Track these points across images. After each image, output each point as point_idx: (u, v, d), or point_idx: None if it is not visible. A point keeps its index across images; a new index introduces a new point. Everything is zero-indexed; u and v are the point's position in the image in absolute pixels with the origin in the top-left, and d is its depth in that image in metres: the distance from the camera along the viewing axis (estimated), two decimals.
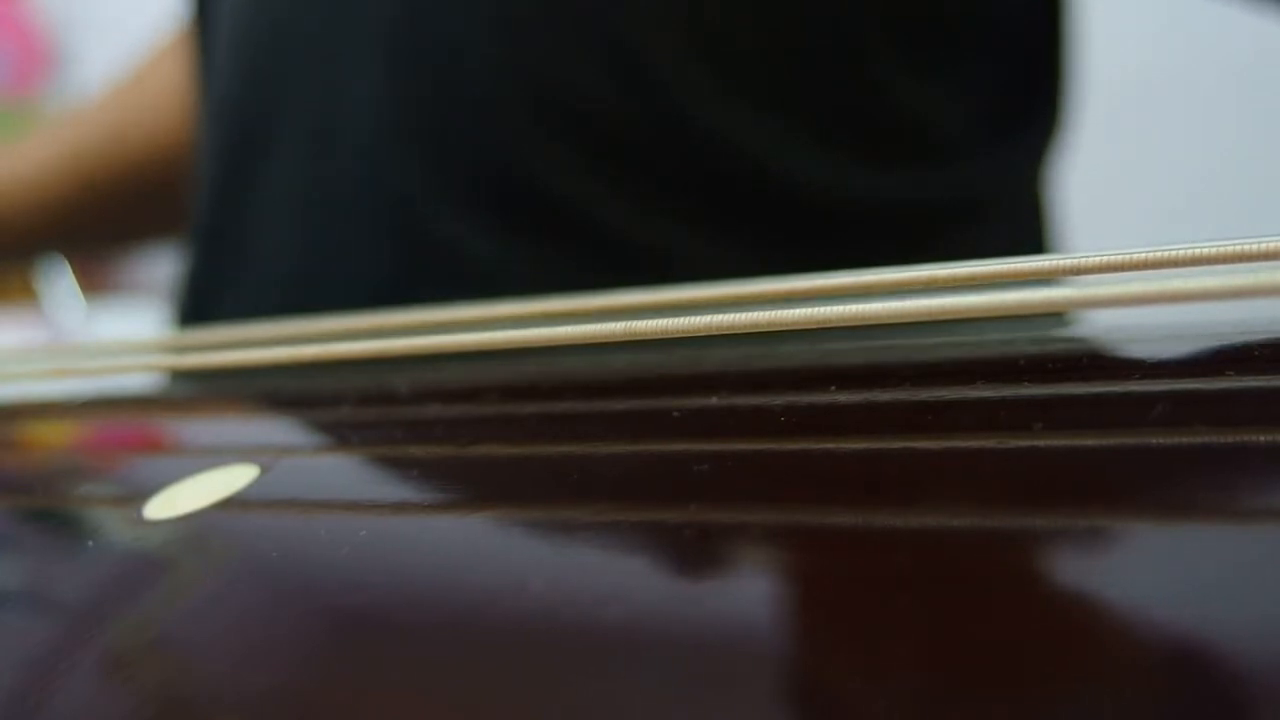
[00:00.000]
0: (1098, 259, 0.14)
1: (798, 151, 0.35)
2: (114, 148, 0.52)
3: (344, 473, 0.16)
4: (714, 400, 0.16)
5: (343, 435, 0.19)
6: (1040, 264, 0.14)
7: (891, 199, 0.37)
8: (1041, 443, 0.12)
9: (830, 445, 0.14)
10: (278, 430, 0.20)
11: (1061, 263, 0.14)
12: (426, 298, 0.36)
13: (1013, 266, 0.14)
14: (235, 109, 0.41)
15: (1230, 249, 0.13)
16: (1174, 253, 0.13)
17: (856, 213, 0.36)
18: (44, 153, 0.53)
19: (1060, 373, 0.14)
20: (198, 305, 0.43)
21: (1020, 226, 0.42)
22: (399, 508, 0.15)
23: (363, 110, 0.37)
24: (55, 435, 0.23)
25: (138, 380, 0.25)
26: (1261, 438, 0.11)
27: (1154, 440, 0.12)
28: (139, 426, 0.22)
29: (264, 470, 0.16)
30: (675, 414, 0.15)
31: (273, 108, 0.39)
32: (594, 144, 0.35)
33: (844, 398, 0.15)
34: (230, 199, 0.41)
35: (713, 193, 0.35)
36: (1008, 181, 0.41)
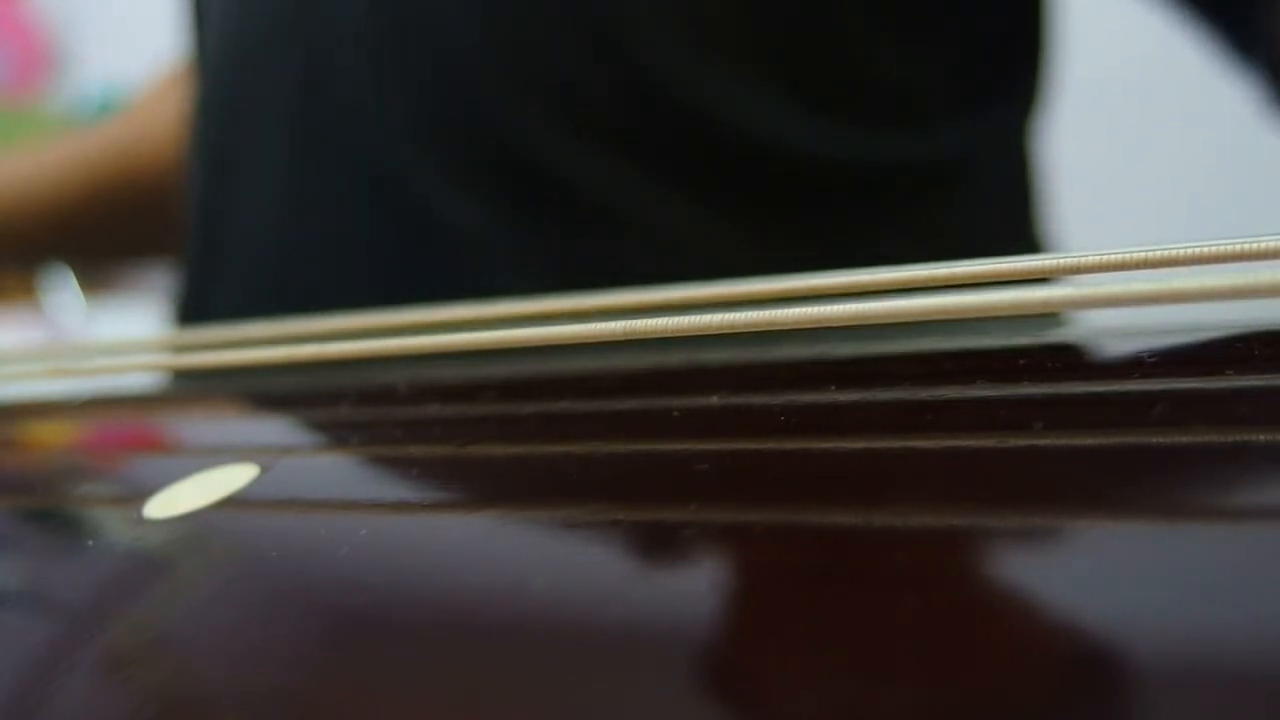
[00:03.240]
0: (1097, 259, 0.14)
1: (779, 116, 0.36)
2: (124, 162, 0.53)
3: (344, 472, 0.16)
4: (714, 400, 0.16)
5: (342, 435, 0.19)
6: (1039, 263, 0.14)
7: (873, 162, 0.37)
8: (1041, 442, 0.12)
9: (830, 445, 0.14)
10: (277, 430, 0.20)
11: (1060, 262, 0.14)
12: (417, 270, 0.36)
13: (1012, 266, 0.14)
14: (223, 94, 0.42)
15: (1230, 249, 0.13)
16: (1174, 252, 0.13)
17: (838, 176, 0.36)
18: (55, 160, 0.54)
19: (1060, 373, 0.14)
20: (193, 294, 0.43)
21: (1005, 191, 0.42)
22: (399, 508, 0.15)
23: (348, 88, 0.37)
24: (55, 435, 0.23)
25: (138, 380, 0.25)
26: (1261, 437, 0.11)
27: (1154, 440, 0.12)
28: (139, 426, 0.22)
29: (264, 470, 0.16)
30: (675, 414, 0.15)
31: (259, 91, 0.40)
32: (577, 114, 0.35)
33: (844, 398, 0.15)
34: (221, 182, 0.42)
35: (697, 160, 0.36)
36: (991, 145, 0.41)
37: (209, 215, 0.42)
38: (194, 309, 0.43)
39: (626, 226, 0.35)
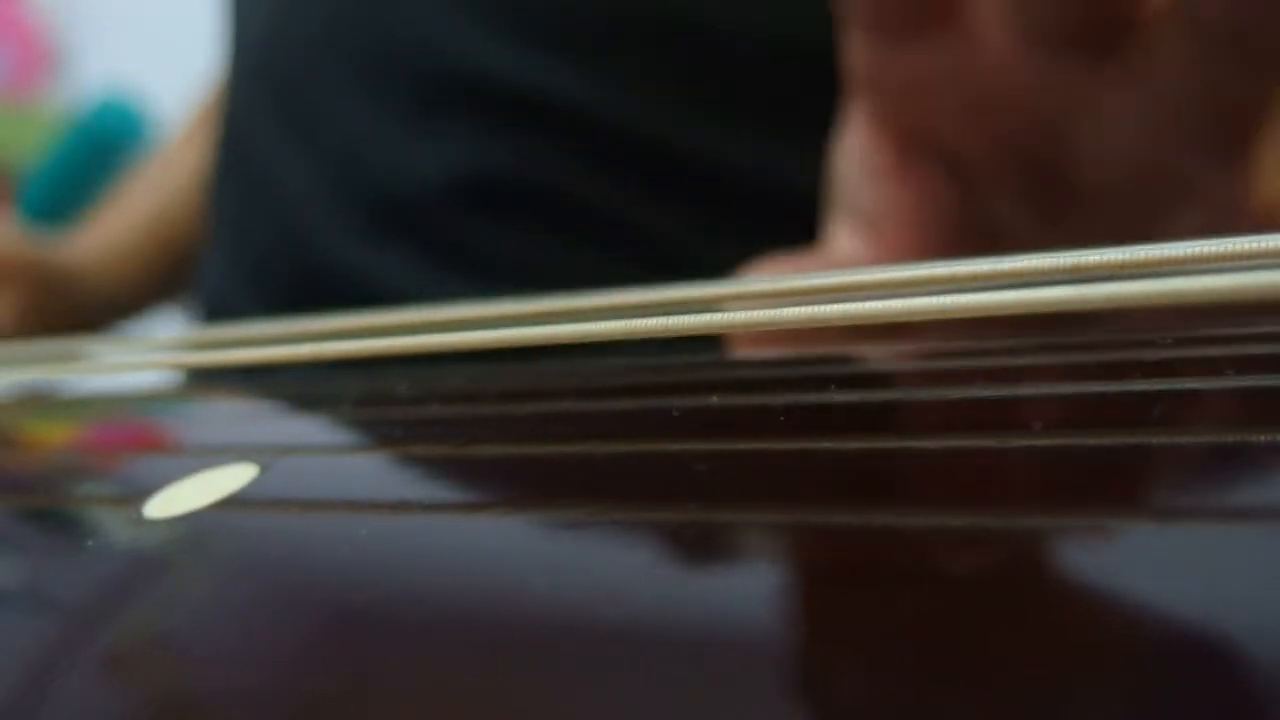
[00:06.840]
0: (1097, 259, 0.14)
1: (730, 142, 0.37)
2: (189, 206, 0.55)
3: (344, 472, 0.16)
4: (713, 400, 0.16)
5: (342, 434, 0.19)
6: (1039, 263, 0.14)
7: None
8: (1041, 443, 0.12)
9: (830, 445, 0.14)
10: (277, 429, 0.20)
11: (1061, 262, 0.14)
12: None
13: (1012, 266, 0.14)
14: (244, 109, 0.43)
15: (1230, 249, 0.13)
16: (1174, 253, 0.13)
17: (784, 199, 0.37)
18: (125, 221, 0.57)
19: (1060, 372, 0.14)
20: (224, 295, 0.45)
21: None
22: (399, 507, 0.15)
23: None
24: (55, 435, 0.23)
25: (141, 380, 0.25)
26: (1262, 437, 0.11)
27: (1154, 440, 0.12)
28: (139, 426, 0.22)
29: (263, 469, 0.16)
30: (675, 413, 0.15)
31: (270, 106, 0.41)
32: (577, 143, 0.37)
33: (844, 398, 0.15)
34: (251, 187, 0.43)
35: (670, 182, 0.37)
36: None
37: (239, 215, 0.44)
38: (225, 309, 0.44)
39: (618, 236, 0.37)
